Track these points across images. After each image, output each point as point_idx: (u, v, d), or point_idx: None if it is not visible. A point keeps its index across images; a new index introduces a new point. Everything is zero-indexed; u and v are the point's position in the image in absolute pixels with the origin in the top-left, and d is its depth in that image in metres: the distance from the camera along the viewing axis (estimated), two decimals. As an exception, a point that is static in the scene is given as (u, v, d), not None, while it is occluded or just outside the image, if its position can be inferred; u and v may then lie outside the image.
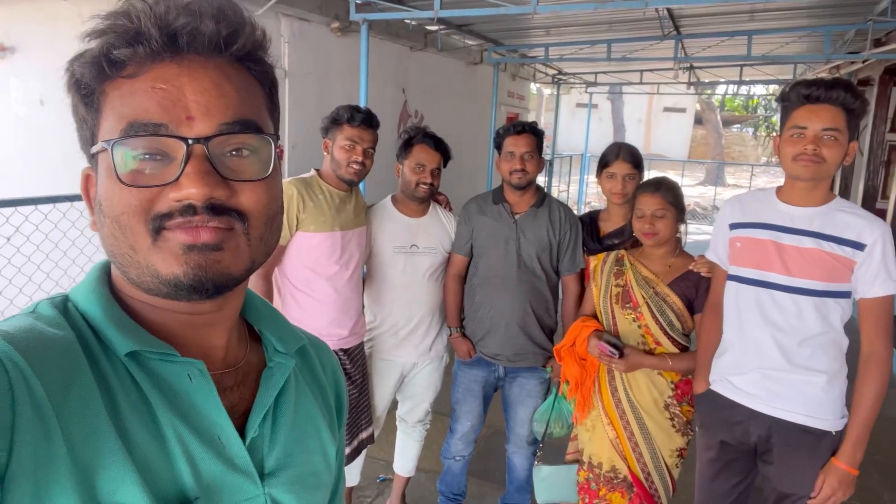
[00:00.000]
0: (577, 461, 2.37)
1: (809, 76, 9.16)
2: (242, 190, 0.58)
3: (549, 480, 2.46)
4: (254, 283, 2.27)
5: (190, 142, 0.55)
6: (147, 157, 0.55)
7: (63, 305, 0.60)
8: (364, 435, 2.56)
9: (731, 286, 1.92)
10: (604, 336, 2.17)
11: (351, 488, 2.82)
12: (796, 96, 1.73)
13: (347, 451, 2.46)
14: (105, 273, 0.64)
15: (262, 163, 0.60)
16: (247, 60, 0.61)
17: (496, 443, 3.40)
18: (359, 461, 2.70)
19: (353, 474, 2.74)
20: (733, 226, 1.93)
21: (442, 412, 3.03)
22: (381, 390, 2.64)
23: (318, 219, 2.31)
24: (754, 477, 2.01)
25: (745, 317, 1.87)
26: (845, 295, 1.75)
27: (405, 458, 2.84)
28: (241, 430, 0.64)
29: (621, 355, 2.10)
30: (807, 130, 1.70)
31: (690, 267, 2.13)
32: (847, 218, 1.74)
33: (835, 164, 1.70)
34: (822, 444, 1.79)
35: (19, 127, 4.07)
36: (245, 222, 0.59)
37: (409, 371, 2.68)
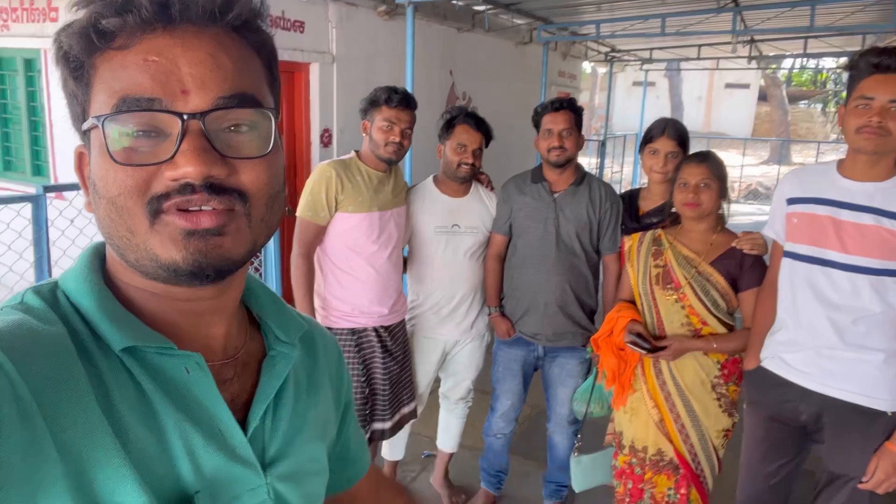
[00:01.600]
0: (615, 446, 2.35)
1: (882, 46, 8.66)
2: (242, 168, 0.56)
3: (587, 469, 2.47)
4: (295, 263, 2.35)
5: (185, 117, 0.52)
6: (141, 133, 0.53)
7: (52, 295, 0.57)
8: (406, 410, 2.61)
9: (785, 263, 1.88)
10: (629, 335, 2.13)
11: (396, 462, 2.89)
12: (865, 65, 1.66)
13: (389, 425, 2.52)
14: (98, 258, 0.62)
15: (261, 139, 0.57)
16: (243, 30, 0.58)
17: (540, 422, 3.41)
18: (403, 436, 2.77)
19: (396, 448, 2.82)
20: (791, 201, 1.88)
21: (485, 391, 3.05)
22: (424, 367, 2.69)
23: (357, 199, 2.36)
24: (802, 460, 1.97)
25: (798, 294, 1.82)
26: None
27: (448, 435, 2.89)
28: (243, 421, 0.63)
29: (652, 350, 2.08)
30: (873, 101, 1.63)
31: (733, 244, 2.08)
32: None
33: None
34: (876, 425, 1.73)
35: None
36: (246, 203, 0.56)
37: (451, 349, 2.71)
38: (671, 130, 2.42)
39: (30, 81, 4.49)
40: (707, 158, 2.10)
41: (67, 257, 2.65)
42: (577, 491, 2.54)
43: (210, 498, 0.57)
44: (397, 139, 2.36)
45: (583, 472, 2.46)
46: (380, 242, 2.44)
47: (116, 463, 0.51)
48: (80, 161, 0.59)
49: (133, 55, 0.53)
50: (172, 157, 0.53)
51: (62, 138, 4.35)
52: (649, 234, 2.23)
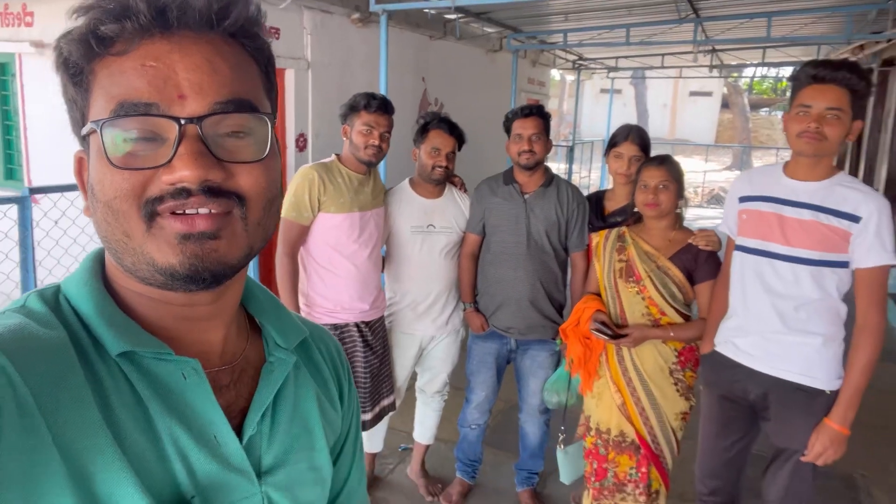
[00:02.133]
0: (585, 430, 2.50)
1: (833, 57, 9.06)
2: (239, 172, 0.56)
3: (574, 458, 2.60)
4: (280, 262, 2.45)
5: (182, 121, 0.53)
6: (138, 138, 0.53)
7: (54, 299, 0.59)
8: (386, 402, 2.73)
9: (736, 256, 2.04)
10: (594, 322, 2.28)
11: (374, 454, 3.00)
12: (804, 76, 1.83)
13: (369, 416, 2.64)
14: (99, 263, 0.62)
15: (258, 144, 0.58)
16: (241, 36, 0.59)
17: (511, 416, 3.55)
18: (381, 429, 2.88)
19: (375, 440, 2.92)
20: (742, 199, 2.05)
21: (458, 387, 3.17)
22: (402, 361, 2.81)
23: (338, 200, 2.47)
24: (754, 437, 2.13)
25: (747, 284, 1.99)
26: (842, 265, 1.85)
27: (424, 427, 3.01)
28: (239, 428, 0.63)
29: (614, 336, 2.23)
30: (811, 109, 1.79)
31: (690, 240, 2.24)
32: (846, 192, 1.83)
33: (836, 141, 1.80)
34: (815, 403, 1.90)
35: (59, 120, 4.29)
36: (243, 206, 0.57)
37: (428, 344, 2.83)
38: (634, 136, 2.59)
39: (3, 85, 4.49)
40: (665, 162, 2.27)
41: (52, 258, 2.71)
42: (566, 483, 2.66)
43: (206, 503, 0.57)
44: (377, 142, 2.48)
45: (570, 463, 2.59)
46: (360, 241, 2.55)
47: (116, 466, 0.51)
48: (80, 166, 0.60)
49: (131, 61, 0.54)
50: (170, 161, 0.53)
51: (37, 143, 4.36)
52: (614, 231, 2.39)
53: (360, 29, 5.26)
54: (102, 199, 0.54)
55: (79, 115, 0.57)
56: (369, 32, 5.26)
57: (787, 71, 22.17)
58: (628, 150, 2.57)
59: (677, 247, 2.25)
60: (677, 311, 2.25)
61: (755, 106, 26.48)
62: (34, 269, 2.53)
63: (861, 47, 8.27)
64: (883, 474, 3.27)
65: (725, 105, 24.74)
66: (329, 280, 2.54)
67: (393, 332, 2.79)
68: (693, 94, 25.76)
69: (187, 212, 0.54)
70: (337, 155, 2.60)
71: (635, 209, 2.33)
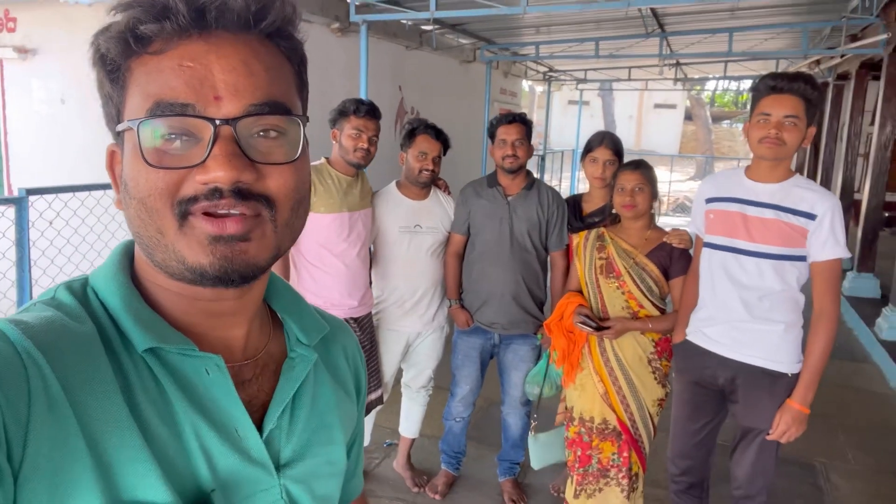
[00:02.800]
0: (566, 421, 2.64)
1: (791, 70, 9.45)
2: (270, 173, 0.57)
3: (544, 446, 2.75)
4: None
5: (217, 122, 0.54)
6: (173, 137, 0.54)
7: (83, 292, 0.60)
8: (373, 396, 2.83)
9: (705, 252, 2.21)
10: (578, 316, 2.43)
11: (360, 449, 3.09)
12: (764, 87, 2.01)
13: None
14: (127, 257, 0.63)
15: (290, 145, 0.58)
16: (276, 37, 0.59)
17: (491, 413, 3.68)
18: (368, 423, 2.99)
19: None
20: (708, 200, 2.22)
21: (442, 386, 3.30)
22: (389, 357, 2.92)
23: (328, 201, 2.59)
24: (721, 419, 2.29)
25: (716, 277, 2.15)
26: (801, 259, 2.03)
27: (410, 422, 3.12)
28: (260, 422, 0.64)
29: (598, 328, 2.39)
30: (771, 117, 1.97)
31: (664, 239, 2.41)
32: (802, 192, 2.02)
33: (794, 146, 1.98)
34: (779, 385, 2.07)
35: (41, 124, 4.31)
36: (272, 209, 0.57)
37: (414, 340, 2.95)
38: (608, 142, 2.76)
39: (-18, 89, 4.48)
40: (640, 166, 2.44)
41: (46, 257, 2.76)
42: (535, 468, 2.81)
43: (225, 496, 0.58)
44: (365, 145, 2.61)
45: (541, 449, 2.74)
46: (349, 240, 2.67)
47: (142, 458, 0.52)
48: (112, 159, 0.61)
49: (168, 60, 0.54)
50: (204, 161, 0.54)
51: (18, 148, 4.37)
52: (594, 231, 2.56)
53: (340, 38, 5.37)
54: (136, 195, 0.55)
55: (114, 111, 0.58)
56: (348, 41, 5.38)
57: (748, 84, 22.92)
58: (603, 154, 2.74)
59: (653, 244, 2.42)
60: (654, 304, 2.41)
61: (717, 118, 27.26)
62: (29, 269, 2.58)
63: (817, 62, 8.67)
64: (841, 462, 3.48)
65: (689, 117, 25.43)
66: (319, 277, 2.65)
67: (380, 329, 2.90)
68: (658, 106, 26.41)
69: (219, 212, 0.55)
70: (326, 158, 2.71)
71: (613, 210, 2.50)
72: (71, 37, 4.06)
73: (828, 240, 1.97)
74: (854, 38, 6.84)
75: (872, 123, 8.00)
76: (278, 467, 0.64)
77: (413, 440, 3.16)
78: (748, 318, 2.07)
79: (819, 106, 2.00)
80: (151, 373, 0.57)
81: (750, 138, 2.05)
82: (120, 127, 0.57)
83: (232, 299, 0.62)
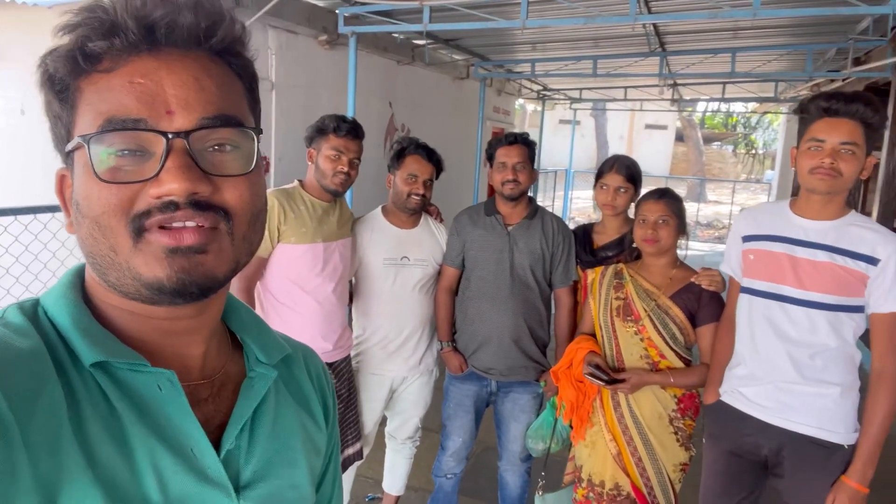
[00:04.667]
0: (575, 480, 2.32)
1: (790, 94, 9.31)
2: (225, 186, 0.57)
3: None
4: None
5: (170, 136, 0.54)
6: (126, 152, 0.54)
7: (33, 311, 0.58)
8: (351, 451, 2.49)
9: (743, 298, 1.91)
10: (588, 367, 2.12)
11: (338, 507, 2.74)
12: (815, 109, 1.72)
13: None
14: (78, 277, 0.62)
15: (244, 158, 0.59)
16: (226, 54, 0.60)
17: (487, 460, 3.34)
18: (347, 479, 2.63)
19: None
20: (746, 238, 1.92)
21: (432, 429, 2.96)
22: (371, 405, 2.58)
23: (300, 230, 2.26)
24: (759, 495, 1.97)
25: (757, 329, 1.85)
26: (858, 310, 1.74)
27: (395, 476, 2.78)
28: (217, 442, 0.62)
29: (611, 381, 2.07)
30: (825, 144, 1.69)
31: (692, 279, 2.11)
32: (861, 232, 1.72)
33: (851, 178, 1.69)
34: (834, 459, 1.76)
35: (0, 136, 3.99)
36: (229, 221, 0.57)
37: (399, 385, 2.62)
38: (619, 166, 2.46)
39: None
40: (665, 195, 2.14)
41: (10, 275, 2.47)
42: None
43: None
44: (345, 169, 2.29)
45: None
46: (324, 275, 2.34)
47: (84, 480, 0.50)
48: (62, 183, 0.60)
49: (119, 78, 0.54)
50: (157, 174, 0.53)
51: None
52: (611, 267, 2.25)
53: (327, 51, 5.08)
54: (89, 214, 0.55)
55: (63, 132, 0.58)
56: (337, 55, 5.09)
57: (738, 107, 22.97)
58: (613, 180, 2.44)
59: (679, 285, 2.11)
60: (677, 354, 2.10)
61: (707, 140, 27.24)
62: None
63: (817, 85, 8.51)
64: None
65: (680, 138, 25.38)
66: (288, 317, 2.30)
67: (360, 373, 2.57)
68: (649, 126, 26.37)
69: (174, 225, 0.54)
70: (300, 181, 2.39)
71: (633, 244, 2.19)
72: (32, 44, 3.73)
73: (892, 289, 1.67)
74: (858, 61, 6.66)
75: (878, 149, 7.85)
76: (238, 489, 0.61)
77: (398, 497, 2.81)
78: (798, 379, 1.76)
79: (880, 131, 1.71)
80: (101, 390, 0.55)
81: (799, 168, 1.75)
82: (70, 145, 0.56)
83: (188, 318, 0.61)
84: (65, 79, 0.55)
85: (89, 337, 0.56)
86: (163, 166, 0.53)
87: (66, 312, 0.58)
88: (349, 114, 4.56)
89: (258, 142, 0.60)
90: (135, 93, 0.54)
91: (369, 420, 2.59)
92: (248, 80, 0.63)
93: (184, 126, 0.54)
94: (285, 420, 0.70)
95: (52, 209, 2.69)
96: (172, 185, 0.53)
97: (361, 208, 2.64)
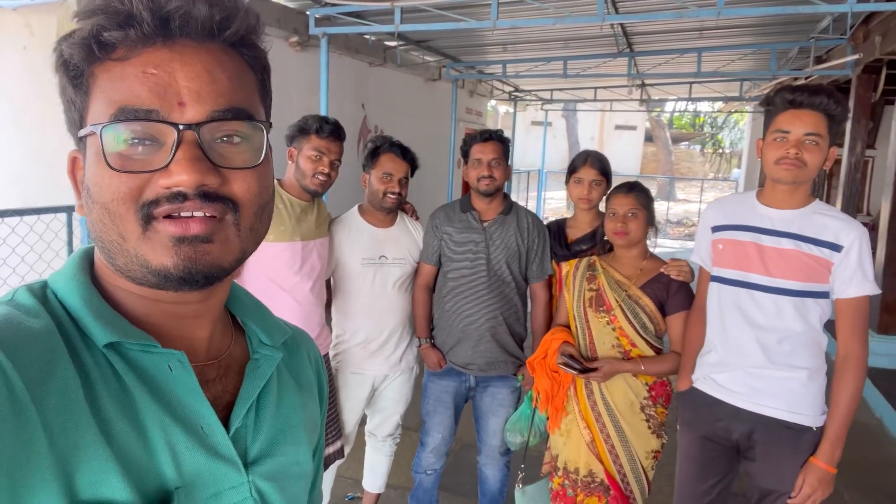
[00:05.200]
0: (551, 471, 2.35)
1: (755, 93, 9.51)
2: (234, 178, 0.58)
3: (533, 500, 2.44)
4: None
5: (181, 127, 0.54)
6: (137, 142, 0.55)
7: (42, 293, 0.59)
8: (331, 450, 2.48)
9: (713, 287, 1.95)
10: (561, 356, 2.16)
11: (319, 507, 2.73)
12: (781, 101, 1.77)
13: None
14: (87, 260, 0.63)
15: (253, 150, 0.59)
16: (240, 46, 0.60)
17: (466, 456, 3.36)
18: (328, 478, 2.63)
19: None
20: (715, 228, 1.96)
21: (411, 427, 2.97)
22: (352, 404, 2.58)
23: (278, 228, 2.26)
24: (733, 478, 2.02)
25: (727, 316, 1.89)
26: (824, 295, 1.79)
27: (375, 475, 2.78)
28: (225, 421, 0.63)
29: (584, 370, 2.11)
30: (789, 135, 1.73)
31: (661, 270, 2.15)
32: (825, 220, 1.77)
33: (815, 168, 1.74)
34: (803, 440, 1.81)
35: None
36: (236, 212, 0.58)
37: (380, 384, 2.62)
38: (593, 160, 2.50)
39: None
40: (634, 189, 2.19)
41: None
42: None
43: (191, 494, 0.57)
44: (326, 169, 2.30)
45: (530, 503, 2.42)
46: (302, 273, 2.34)
47: (101, 455, 0.51)
48: (74, 165, 0.61)
49: (132, 67, 0.55)
50: (167, 165, 0.54)
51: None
52: (585, 260, 2.29)
53: (298, 52, 5.07)
54: (99, 200, 0.56)
55: (77, 117, 0.58)
56: (308, 56, 5.08)
57: (705, 106, 23.37)
58: (587, 174, 2.48)
59: (648, 276, 2.16)
60: (648, 343, 2.15)
61: (675, 140, 27.65)
62: None
63: (781, 84, 8.71)
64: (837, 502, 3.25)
65: (649, 138, 25.74)
66: None
67: (341, 373, 2.57)
68: (619, 127, 26.67)
69: (182, 215, 0.55)
70: (278, 179, 2.39)
71: (605, 237, 2.23)
72: (-3, 45, 3.67)
73: (855, 274, 1.73)
74: (819, 59, 6.84)
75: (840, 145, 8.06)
76: (246, 465, 0.63)
77: (379, 495, 2.81)
78: (767, 363, 1.81)
79: (842, 122, 1.77)
80: (113, 369, 0.56)
81: (765, 159, 1.80)
82: (83, 132, 0.57)
83: (195, 302, 0.62)
84: (79, 65, 0.56)
85: (101, 318, 0.57)
86: (173, 157, 0.54)
87: (77, 294, 0.58)
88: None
89: (268, 134, 0.61)
90: (148, 83, 0.54)
91: (350, 419, 2.59)
92: (260, 71, 0.64)
93: (195, 118, 0.55)
94: (288, 400, 0.72)
95: (19, 212, 2.66)
96: (182, 177, 0.54)
97: (336, 209, 2.64)
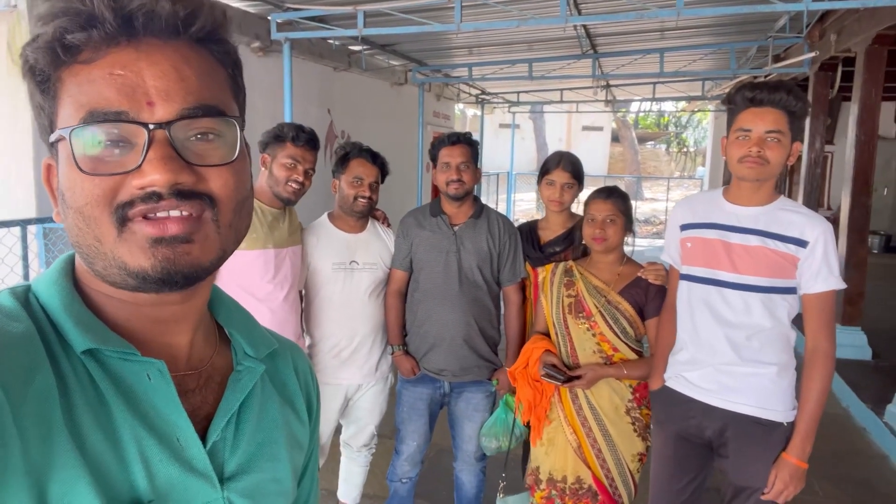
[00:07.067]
0: (531, 484, 2.31)
1: (717, 92, 9.68)
2: (210, 175, 0.57)
3: None
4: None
5: (151, 127, 0.54)
6: (108, 144, 0.54)
7: (24, 296, 0.58)
8: (307, 463, 2.43)
9: (682, 286, 1.96)
10: (543, 367, 2.14)
11: (294, 521, 2.67)
12: (741, 99, 1.78)
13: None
14: (70, 265, 0.62)
15: (228, 146, 0.59)
16: (207, 42, 0.59)
17: (441, 462, 3.33)
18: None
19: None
20: (684, 227, 1.96)
21: (385, 435, 2.93)
22: (325, 416, 2.53)
23: (250, 235, 2.20)
24: (707, 475, 2.02)
25: (696, 314, 1.90)
26: (791, 291, 1.80)
27: (350, 486, 2.73)
28: (204, 433, 0.62)
29: (566, 380, 2.10)
30: (751, 133, 1.74)
31: (639, 274, 2.16)
32: (790, 216, 1.79)
33: (778, 164, 1.75)
34: (774, 436, 1.82)
35: None
36: (214, 208, 0.57)
37: (354, 394, 2.58)
38: (565, 163, 2.50)
39: None
40: (612, 194, 2.19)
41: None
42: None
43: None
44: (300, 178, 2.28)
45: None
46: (276, 282, 2.29)
47: (73, 465, 0.50)
48: (49, 172, 0.60)
49: (99, 69, 0.54)
50: (139, 165, 0.54)
51: None
52: (561, 265, 2.28)
53: (261, 58, 4.99)
54: (73, 205, 0.55)
55: (46, 122, 0.58)
56: (271, 62, 5.01)
57: (669, 106, 23.75)
58: (560, 177, 2.47)
59: (626, 281, 2.16)
60: (629, 347, 2.15)
61: (641, 139, 28.07)
62: None
63: (740, 82, 8.88)
64: (809, 496, 3.30)
65: (616, 139, 26.07)
66: None
67: (313, 383, 2.52)
68: (586, 128, 26.97)
69: (158, 215, 0.54)
70: (249, 186, 2.33)
71: (582, 242, 2.23)
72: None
73: (821, 269, 1.74)
74: (777, 58, 6.99)
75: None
76: (222, 480, 0.62)
77: (354, 506, 2.76)
78: (736, 360, 1.82)
79: (804, 118, 1.79)
80: (90, 377, 0.56)
81: (729, 157, 1.81)
82: (53, 137, 0.57)
83: (174, 304, 0.61)
84: (45, 69, 0.55)
85: (81, 324, 0.56)
86: (145, 157, 0.54)
87: (58, 298, 0.58)
88: (286, 121, 4.49)
89: (241, 129, 0.60)
90: (115, 84, 0.54)
91: (324, 431, 2.54)
92: (230, 66, 0.62)
93: (164, 117, 0.54)
94: (270, 414, 0.71)
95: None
96: (154, 177, 0.53)
97: (305, 216, 2.60)
